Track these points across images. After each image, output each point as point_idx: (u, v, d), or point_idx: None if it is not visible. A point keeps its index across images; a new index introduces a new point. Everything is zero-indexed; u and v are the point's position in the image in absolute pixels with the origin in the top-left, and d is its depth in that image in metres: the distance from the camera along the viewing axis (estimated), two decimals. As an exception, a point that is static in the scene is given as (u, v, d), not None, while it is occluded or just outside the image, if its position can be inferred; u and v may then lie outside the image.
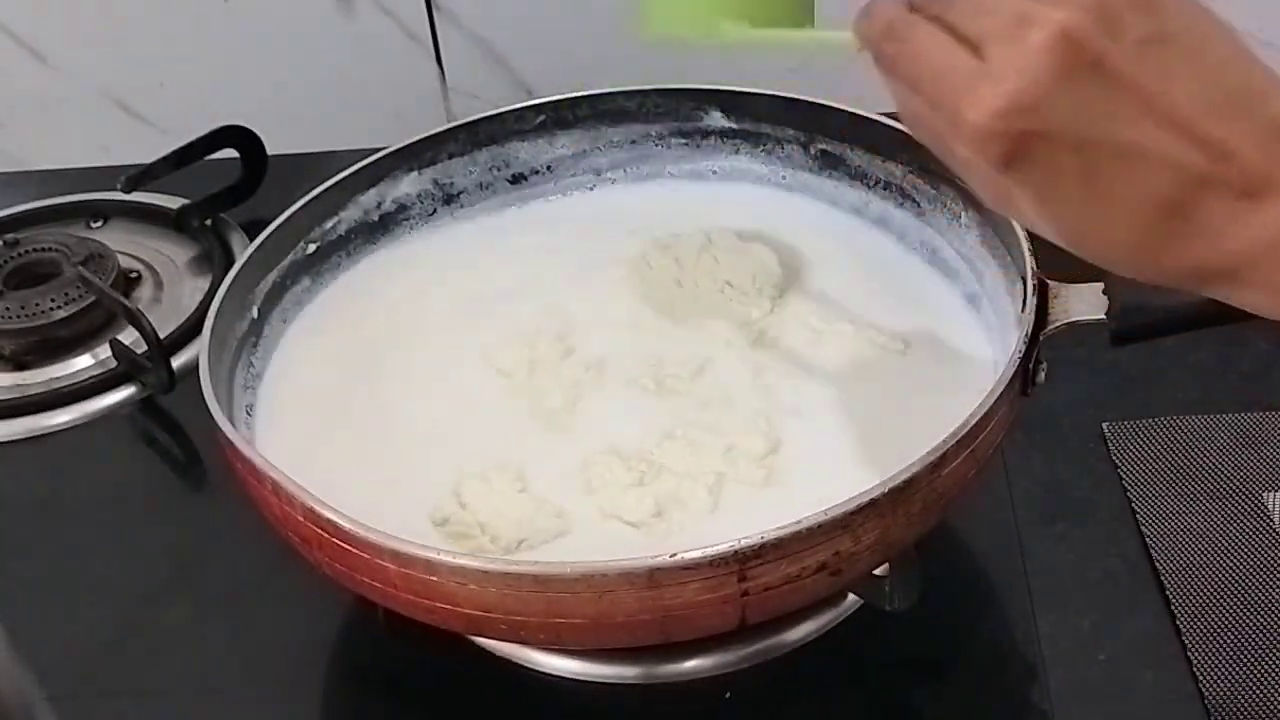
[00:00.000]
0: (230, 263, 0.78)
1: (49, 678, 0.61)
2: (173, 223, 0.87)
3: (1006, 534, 0.63)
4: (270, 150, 0.88)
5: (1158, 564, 0.61)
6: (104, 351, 0.79)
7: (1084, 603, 0.60)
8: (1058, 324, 0.54)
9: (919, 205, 0.67)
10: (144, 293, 0.85)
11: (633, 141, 0.73)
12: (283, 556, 0.54)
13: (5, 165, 1.01)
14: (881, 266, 0.67)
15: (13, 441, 0.76)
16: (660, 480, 0.56)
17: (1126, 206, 0.39)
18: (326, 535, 0.50)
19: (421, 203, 0.71)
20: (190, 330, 0.79)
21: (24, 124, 1.01)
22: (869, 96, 0.71)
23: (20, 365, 0.80)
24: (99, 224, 0.91)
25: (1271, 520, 0.63)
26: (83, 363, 0.80)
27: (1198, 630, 0.58)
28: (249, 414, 0.61)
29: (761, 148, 0.72)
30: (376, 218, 0.70)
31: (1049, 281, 0.55)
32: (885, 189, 0.69)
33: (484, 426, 0.60)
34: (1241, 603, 0.59)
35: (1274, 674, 0.57)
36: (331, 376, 0.64)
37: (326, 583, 0.53)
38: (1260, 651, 0.57)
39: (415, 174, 0.71)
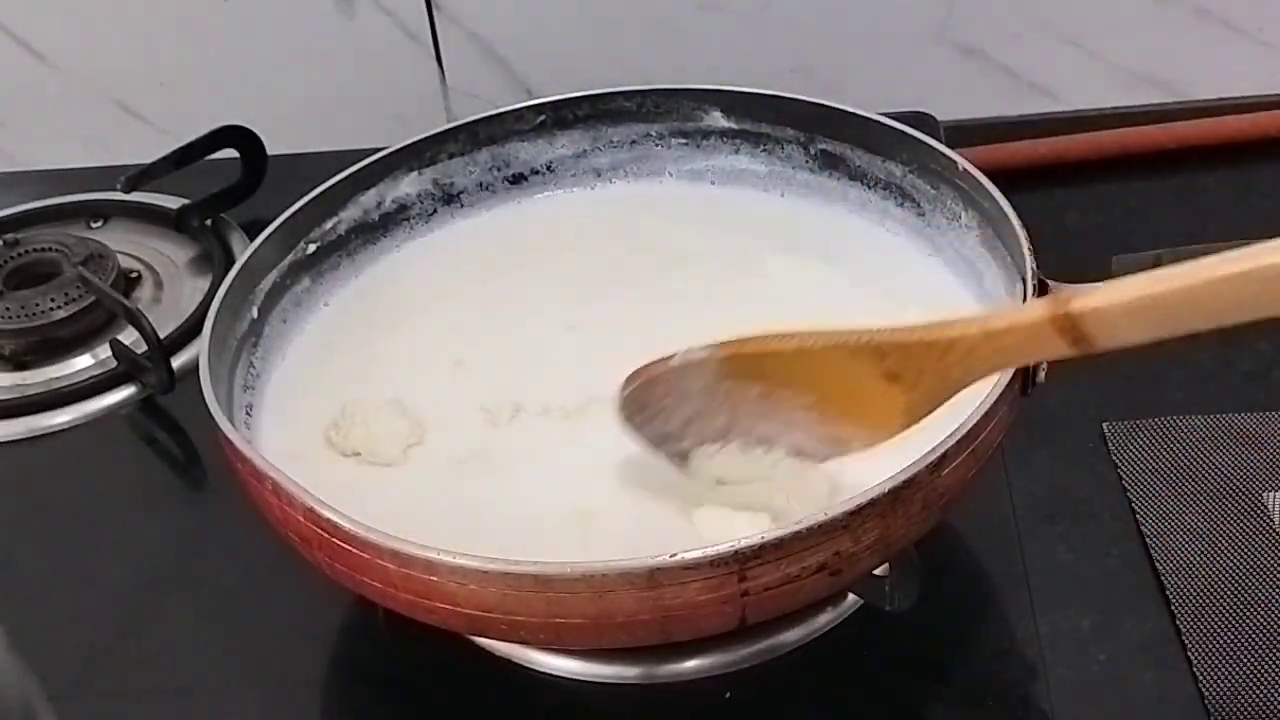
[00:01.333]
0: (230, 263, 0.78)
1: (49, 678, 0.61)
2: (173, 223, 0.87)
3: (1006, 534, 0.63)
4: (270, 150, 0.88)
5: (1158, 564, 0.61)
6: (104, 351, 0.79)
7: (1084, 603, 0.60)
8: (1058, 324, 0.54)
9: (919, 205, 0.67)
10: (144, 293, 0.85)
11: (633, 141, 0.73)
12: (283, 556, 0.54)
13: (5, 165, 1.01)
14: (884, 264, 0.67)
15: (13, 441, 0.76)
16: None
17: None
18: (326, 535, 0.50)
19: (421, 203, 0.72)
20: (190, 330, 0.79)
21: (24, 124, 1.01)
22: (869, 96, 0.71)
23: (20, 365, 0.80)
24: (99, 224, 0.91)
25: (1271, 520, 0.63)
26: (83, 363, 0.80)
27: (1198, 630, 0.58)
28: (249, 414, 0.61)
29: (761, 148, 0.72)
30: (376, 218, 0.70)
31: (1049, 281, 0.55)
32: (885, 189, 0.68)
33: (454, 432, 0.61)
34: (1241, 603, 0.59)
35: (1274, 674, 0.57)
36: (331, 376, 0.64)
37: (326, 583, 0.53)
38: (1260, 651, 0.57)
39: (415, 174, 0.71)
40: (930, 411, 0.50)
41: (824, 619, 0.59)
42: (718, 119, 0.72)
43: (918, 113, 0.81)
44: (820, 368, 0.50)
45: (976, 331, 0.47)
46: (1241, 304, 0.42)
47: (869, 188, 0.69)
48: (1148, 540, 0.62)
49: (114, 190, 0.86)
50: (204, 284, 0.84)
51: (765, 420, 0.52)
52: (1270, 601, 0.59)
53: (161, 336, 0.75)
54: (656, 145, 0.73)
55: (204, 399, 0.55)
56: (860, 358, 0.49)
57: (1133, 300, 0.44)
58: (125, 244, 0.88)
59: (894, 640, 0.58)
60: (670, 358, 0.52)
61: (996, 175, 0.61)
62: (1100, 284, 0.45)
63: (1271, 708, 0.55)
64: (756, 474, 0.53)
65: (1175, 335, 0.44)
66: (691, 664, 0.58)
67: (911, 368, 0.49)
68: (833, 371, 0.50)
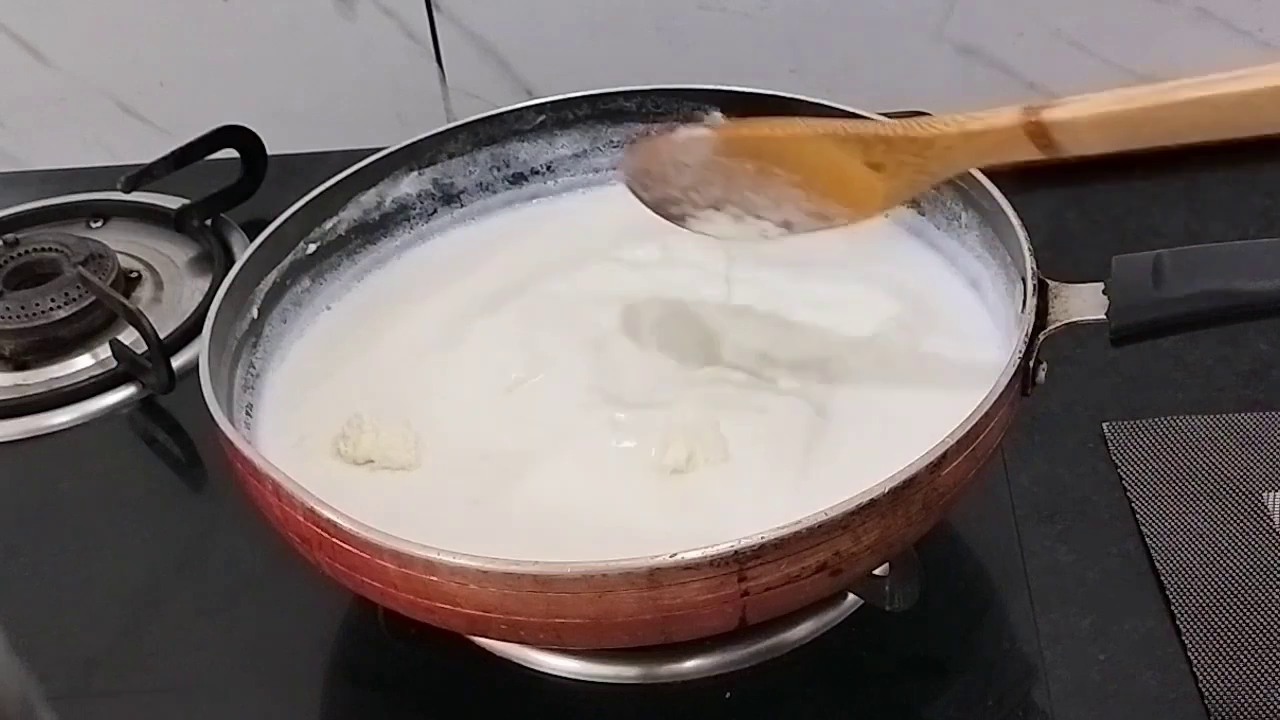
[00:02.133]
0: (230, 263, 0.78)
1: (49, 678, 0.61)
2: (173, 223, 0.87)
3: (1006, 534, 0.63)
4: (270, 150, 0.88)
5: (1158, 564, 0.61)
6: (104, 351, 0.79)
7: (1084, 603, 0.60)
8: (1058, 324, 0.54)
9: (919, 205, 0.67)
10: (144, 293, 0.85)
11: (633, 141, 0.73)
12: (283, 556, 0.54)
13: (5, 165, 1.01)
14: (882, 263, 0.67)
15: (13, 441, 0.76)
16: None
17: None
18: (326, 535, 0.50)
19: (421, 203, 0.71)
20: (190, 330, 0.79)
21: (24, 124, 1.01)
22: (869, 96, 0.71)
23: (20, 365, 0.80)
24: (99, 224, 0.91)
25: (1271, 520, 0.63)
26: (83, 363, 0.80)
27: (1198, 630, 0.58)
28: (249, 414, 0.61)
29: (761, 148, 0.72)
30: (376, 218, 0.70)
31: (1049, 281, 0.55)
32: (885, 189, 0.68)
33: (459, 430, 0.61)
34: (1241, 603, 0.59)
35: (1274, 674, 0.57)
36: (334, 383, 0.64)
37: (326, 583, 0.53)
38: (1260, 651, 0.57)
39: (415, 174, 0.71)
40: (908, 197, 0.55)
41: (824, 619, 0.59)
42: (718, 119, 0.72)
43: (918, 113, 0.81)
44: (809, 152, 0.54)
45: (955, 131, 0.51)
46: (1195, 126, 0.46)
47: (869, 188, 0.69)
48: (1148, 540, 0.62)
49: (114, 190, 0.87)
50: (204, 284, 0.84)
51: (757, 193, 0.56)
52: (1270, 601, 0.59)
53: (161, 336, 0.75)
54: (657, 145, 0.73)
55: (204, 399, 0.55)
56: (847, 147, 0.53)
57: (1098, 115, 0.48)
58: (125, 244, 0.88)
59: (894, 640, 0.58)
60: (675, 132, 0.57)
61: (996, 175, 0.61)
62: (1071, 98, 0.48)
63: (1271, 708, 0.55)
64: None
65: (1133, 147, 0.48)
66: (691, 664, 0.58)
67: (893, 159, 0.52)
68: (821, 157, 0.54)
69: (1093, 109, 0.48)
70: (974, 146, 0.51)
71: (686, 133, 0.57)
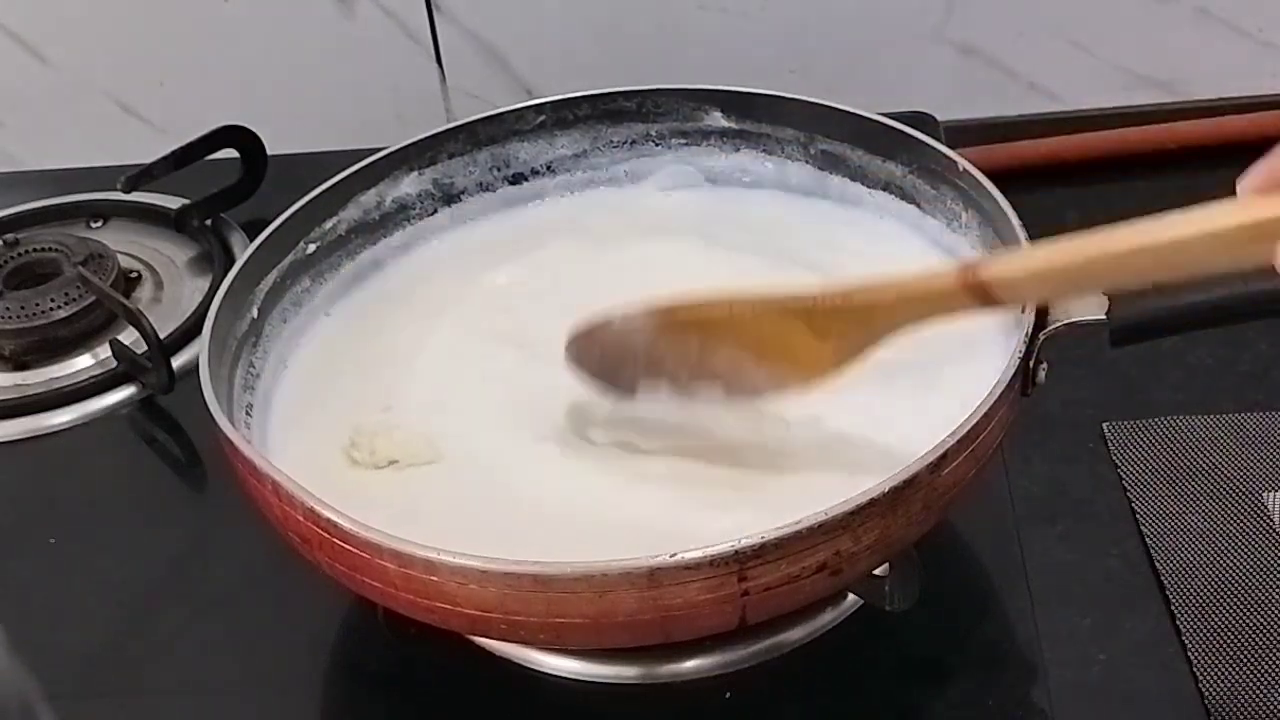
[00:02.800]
0: (230, 263, 0.78)
1: (49, 678, 0.61)
2: (173, 223, 0.87)
3: (1006, 534, 0.63)
4: (270, 150, 0.88)
5: (1158, 564, 0.61)
6: (104, 351, 0.79)
7: (1084, 603, 0.60)
8: (1058, 324, 0.54)
9: (919, 205, 0.67)
10: (144, 293, 0.85)
11: (633, 141, 0.73)
12: (283, 556, 0.54)
13: (5, 165, 1.01)
14: (883, 264, 0.67)
15: (13, 441, 0.76)
16: None
17: None
18: (326, 535, 0.50)
19: (421, 203, 0.72)
20: (190, 330, 0.79)
21: (24, 124, 1.01)
22: (869, 96, 0.71)
23: (20, 365, 0.80)
24: (99, 224, 0.91)
25: (1271, 520, 0.63)
26: (83, 363, 0.80)
27: (1198, 630, 0.58)
28: (249, 414, 0.61)
29: (761, 148, 0.72)
30: (376, 218, 0.70)
31: (1049, 282, 0.55)
32: (885, 189, 0.69)
33: (463, 427, 0.60)
34: (1241, 603, 0.59)
35: (1274, 674, 0.57)
36: (331, 376, 0.64)
37: (326, 583, 0.53)
38: (1260, 651, 0.57)
39: (415, 174, 0.71)
40: (857, 358, 0.54)
41: (824, 619, 0.59)
42: (718, 119, 0.72)
43: (918, 113, 0.82)
44: (752, 325, 0.55)
45: (893, 297, 0.53)
46: (1133, 274, 0.48)
47: (869, 188, 0.69)
48: (1148, 540, 0.62)
49: (114, 190, 0.86)
50: (204, 284, 0.84)
51: (705, 364, 0.56)
52: (1270, 601, 0.59)
53: (161, 336, 0.75)
54: (656, 145, 0.73)
55: (204, 399, 0.55)
56: (788, 318, 0.54)
57: (1034, 270, 0.49)
58: (125, 244, 0.88)
59: (894, 640, 0.58)
60: (610, 319, 0.57)
61: (996, 175, 0.62)
62: (1005, 256, 0.51)
63: (1271, 708, 0.55)
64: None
65: (1075, 295, 0.51)
66: (691, 664, 0.58)
67: (836, 327, 0.54)
68: (765, 328, 0.55)
69: (1027, 266, 0.49)
70: (914, 309, 0.52)
71: (623, 318, 0.57)
